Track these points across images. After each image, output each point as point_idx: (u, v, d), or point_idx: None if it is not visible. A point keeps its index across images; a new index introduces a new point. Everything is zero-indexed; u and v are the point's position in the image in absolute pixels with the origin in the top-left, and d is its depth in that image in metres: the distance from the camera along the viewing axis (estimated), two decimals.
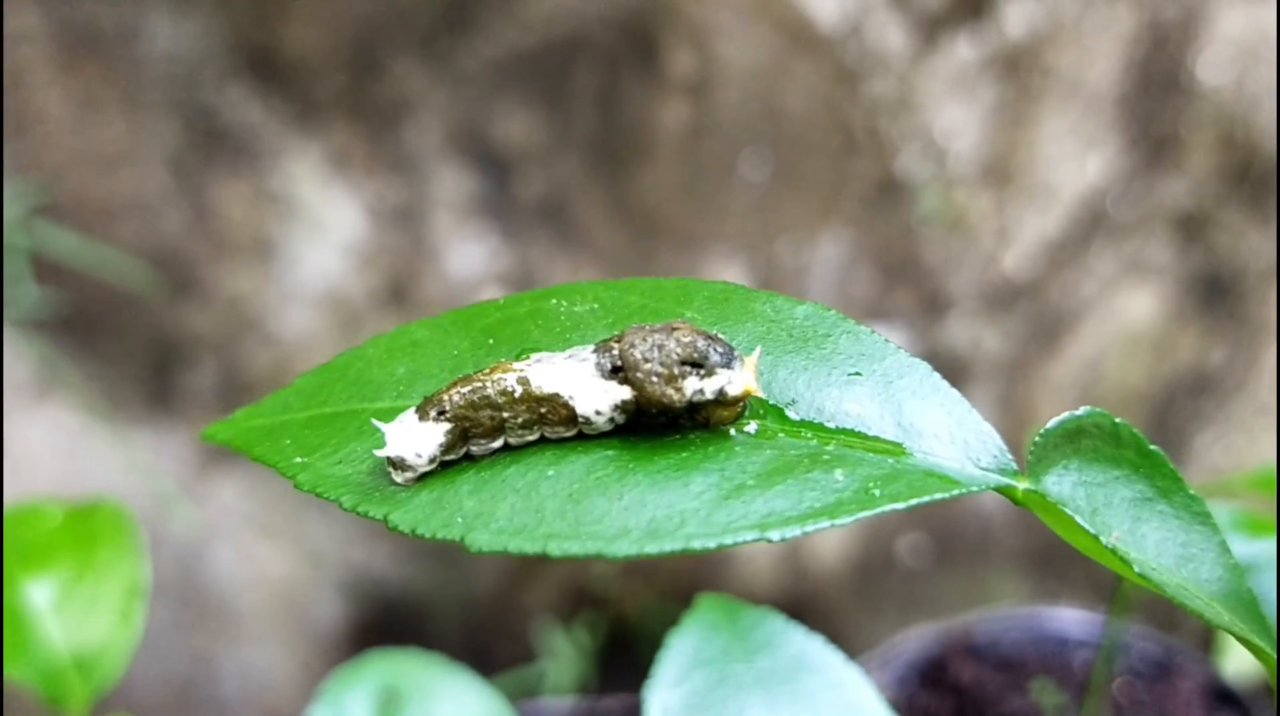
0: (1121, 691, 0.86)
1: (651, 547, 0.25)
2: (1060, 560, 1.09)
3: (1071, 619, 0.93)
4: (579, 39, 0.84)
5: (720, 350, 0.27)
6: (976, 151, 0.92)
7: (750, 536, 0.25)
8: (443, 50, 0.83)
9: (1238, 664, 0.95)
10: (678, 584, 1.06)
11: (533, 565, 1.03)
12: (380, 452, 0.27)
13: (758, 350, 0.28)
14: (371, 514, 0.27)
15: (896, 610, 1.09)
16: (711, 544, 0.25)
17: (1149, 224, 0.96)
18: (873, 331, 0.30)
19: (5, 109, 0.81)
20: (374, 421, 0.28)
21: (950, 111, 0.90)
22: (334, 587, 1.02)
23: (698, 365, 0.27)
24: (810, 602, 1.09)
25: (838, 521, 0.25)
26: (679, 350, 0.27)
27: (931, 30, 0.86)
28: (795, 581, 1.08)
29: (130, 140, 0.84)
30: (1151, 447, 0.28)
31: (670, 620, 1.03)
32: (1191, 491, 0.28)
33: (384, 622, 1.00)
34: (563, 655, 1.03)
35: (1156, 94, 0.91)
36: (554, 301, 0.31)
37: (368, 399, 0.30)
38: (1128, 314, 1.00)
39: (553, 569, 1.04)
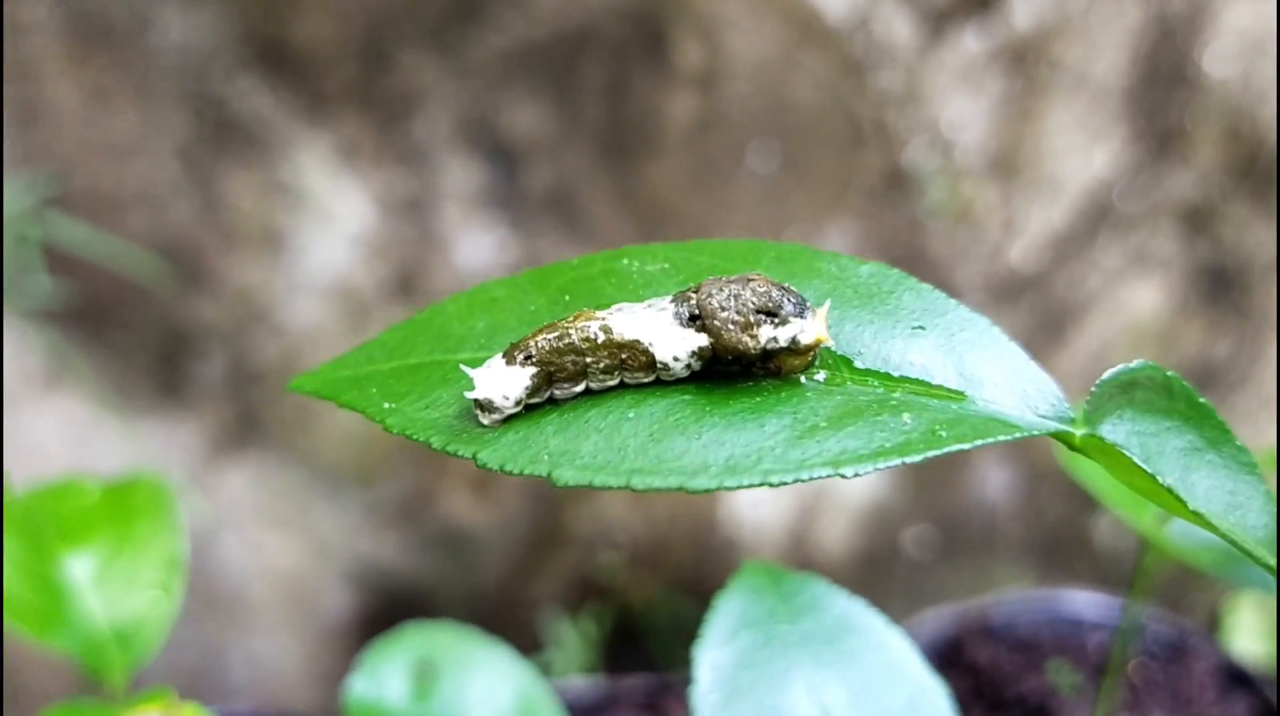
0: (1136, 672, 0.87)
1: (730, 482, 0.26)
2: (1065, 550, 1.10)
3: (1086, 601, 0.94)
4: (588, 31, 0.84)
5: (794, 300, 0.28)
6: (983, 144, 0.92)
7: (825, 472, 0.26)
8: (452, 42, 0.83)
9: (1245, 643, 0.96)
10: (683, 575, 1.06)
11: (539, 555, 1.03)
12: (469, 395, 0.28)
13: (828, 302, 0.29)
14: (461, 452, 0.27)
15: (903, 601, 1.09)
16: (789, 478, 0.26)
17: (1155, 216, 0.96)
18: (934, 288, 0.31)
19: (17, 100, 0.82)
20: (463, 367, 0.29)
21: (957, 104, 0.90)
22: (342, 578, 1.02)
23: (772, 314, 0.28)
24: None
25: (907, 458, 0.26)
26: (754, 299, 0.28)
27: (939, 23, 0.87)
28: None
29: (141, 131, 0.84)
30: (1201, 400, 0.29)
31: (676, 610, 1.03)
32: (1239, 443, 0.29)
33: (391, 613, 1.01)
34: (569, 645, 1.03)
35: (1163, 87, 0.91)
36: (625, 261, 0.32)
37: (450, 351, 0.30)
38: (1133, 306, 1.00)
39: (559, 559, 1.04)
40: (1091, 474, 0.60)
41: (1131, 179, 0.94)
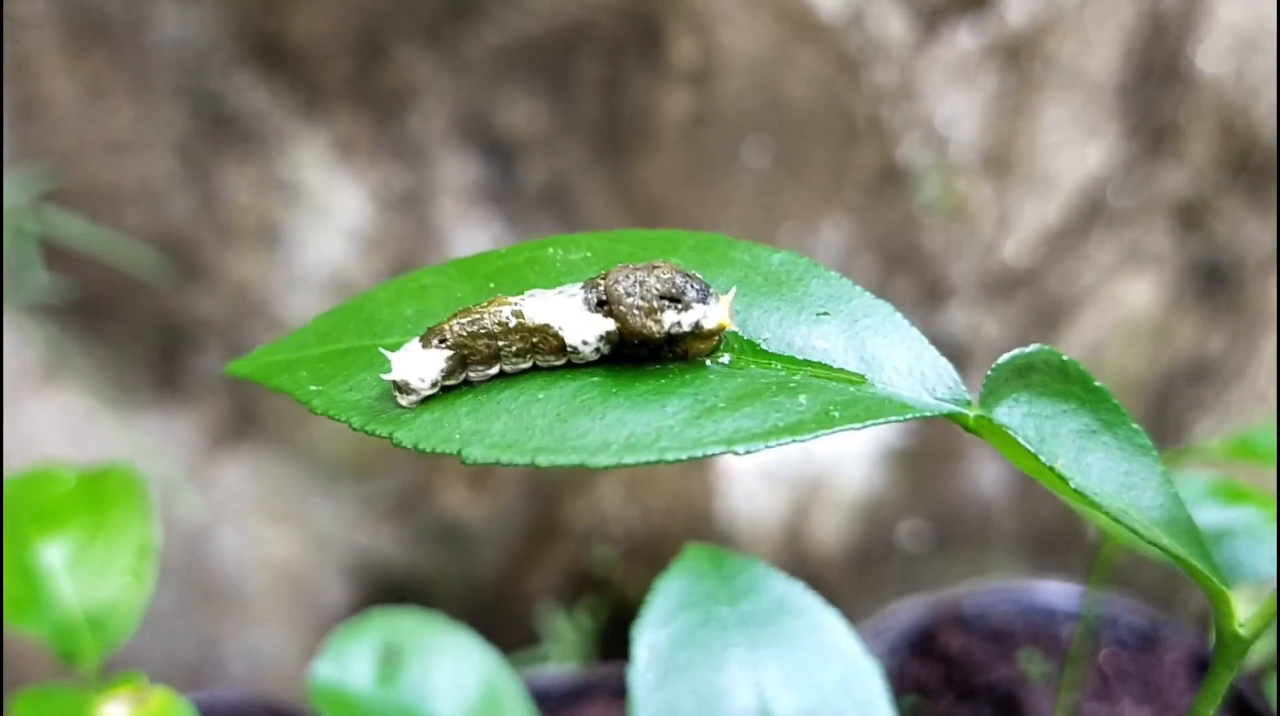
0: (1107, 661, 0.88)
1: (629, 458, 0.27)
2: (1058, 545, 1.10)
3: (1059, 592, 0.94)
4: (583, 26, 0.85)
5: (697, 287, 0.29)
6: (977, 140, 0.92)
7: (718, 449, 0.27)
8: (448, 38, 0.84)
9: None
10: None
11: (536, 549, 1.04)
12: (387, 377, 0.29)
13: (733, 289, 0.30)
14: (378, 432, 0.29)
15: (897, 594, 1.09)
16: (684, 455, 0.27)
17: (1149, 212, 0.97)
18: (841, 276, 0.32)
19: (15, 96, 0.82)
20: (381, 350, 0.30)
21: (951, 100, 0.91)
22: (339, 570, 1.02)
23: (676, 300, 0.29)
24: (812, 586, 1.10)
25: (799, 437, 0.27)
26: (658, 286, 0.29)
27: (933, 19, 0.87)
28: (797, 566, 1.09)
29: (138, 126, 0.85)
30: (1097, 384, 0.30)
31: None
32: (1134, 425, 0.30)
33: (388, 605, 1.01)
34: (565, 638, 1.04)
35: (1156, 83, 0.92)
36: (550, 250, 0.33)
37: (378, 336, 0.32)
38: (1127, 302, 1.00)
39: (555, 553, 1.05)
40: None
41: (1125, 175, 0.95)
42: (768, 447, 0.27)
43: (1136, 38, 0.90)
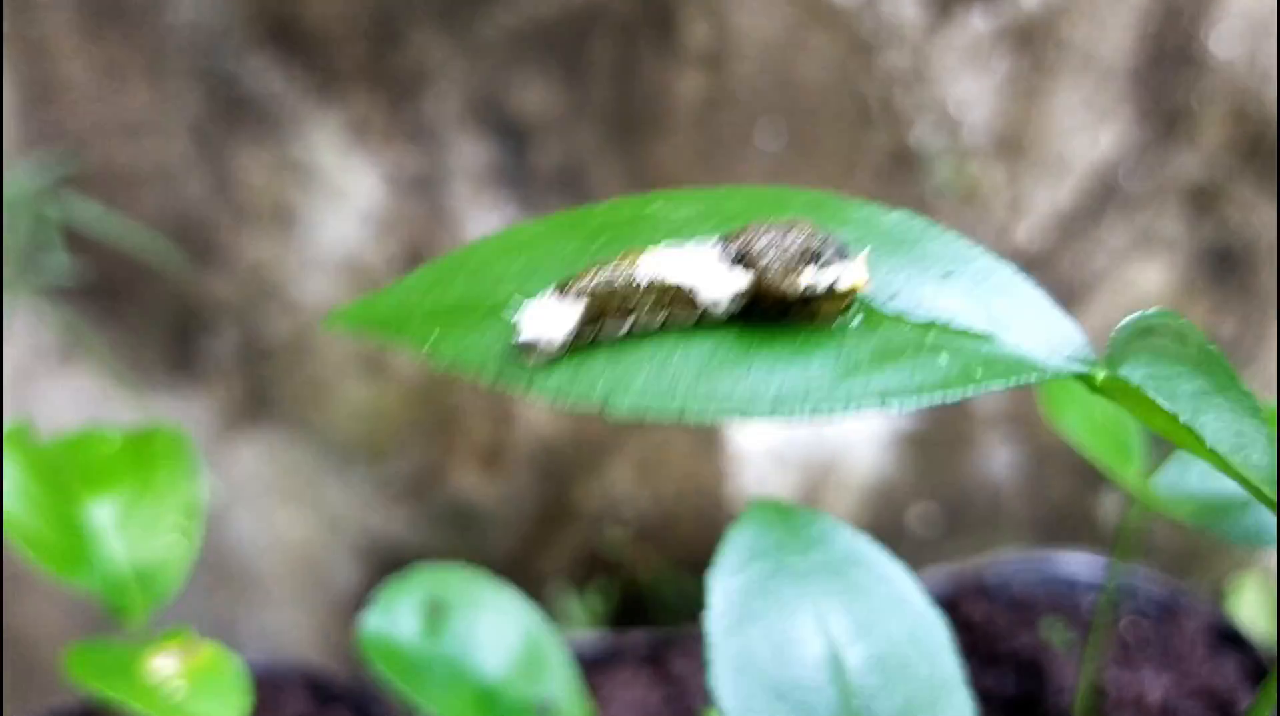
0: (1128, 630, 0.88)
1: (782, 411, 0.27)
2: (1069, 528, 1.11)
3: (1081, 562, 0.95)
4: (596, 9, 0.85)
5: (835, 246, 0.29)
6: (990, 123, 0.93)
7: (874, 404, 0.27)
8: (462, 20, 0.84)
9: (1249, 610, 0.97)
10: (690, 551, 1.07)
11: (547, 531, 1.05)
12: (520, 329, 0.29)
13: (867, 249, 0.30)
14: (515, 382, 0.28)
15: None
16: (838, 410, 0.27)
17: (1161, 196, 0.97)
18: (959, 235, 0.32)
19: (31, 79, 0.83)
20: (515, 300, 0.30)
21: (964, 83, 0.91)
22: (351, 552, 1.03)
23: (814, 259, 0.29)
24: None
25: (948, 395, 0.28)
26: (798, 244, 0.29)
27: (946, 2, 0.87)
28: None
29: (153, 109, 0.85)
30: (1211, 347, 0.30)
31: (682, 586, 1.05)
32: (1244, 388, 0.30)
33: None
34: (576, 619, 1.05)
35: (1169, 67, 0.92)
36: (655, 206, 0.33)
37: (489, 289, 0.31)
38: (1139, 286, 1.01)
39: (567, 535, 1.05)
40: (1076, 427, 0.61)
41: (1138, 159, 0.95)
42: (919, 405, 0.27)
43: (1149, 21, 0.90)
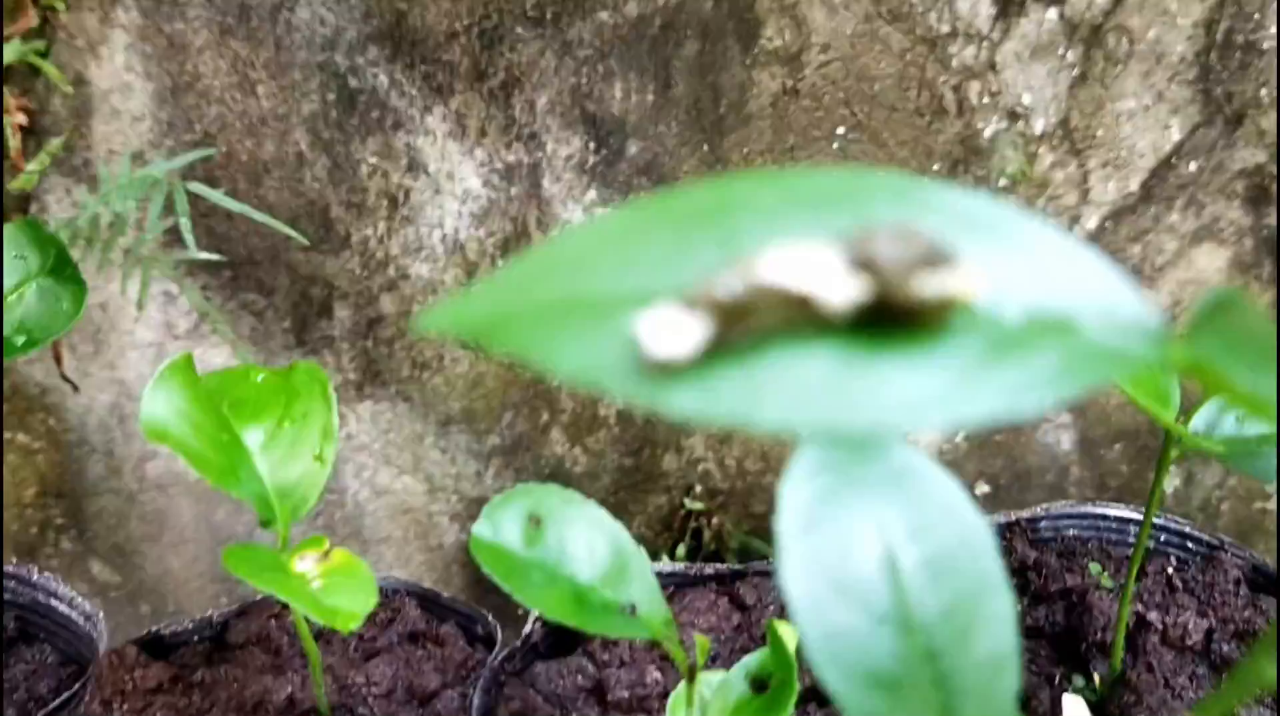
0: (1172, 575, 0.92)
1: (916, 419, 0.27)
2: (1127, 496, 1.13)
3: (1131, 512, 0.97)
4: (681, 7, 0.90)
5: (949, 251, 0.29)
6: (1060, 115, 0.97)
7: (993, 409, 0.27)
8: (557, 20, 0.90)
9: None
10: (768, 520, 1.11)
11: (632, 498, 1.10)
12: (642, 343, 0.28)
13: (975, 250, 0.30)
14: (644, 400, 0.27)
15: None
16: (959, 419, 0.27)
17: (1228, 187, 1.00)
18: (1045, 221, 0.31)
19: (169, 73, 0.89)
20: (620, 314, 0.28)
21: (1034, 76, 0.95)
22: (448, 514, 1.10)
23: (930, 264, 0.28)
24: None
25: (1056, 393, 0.27)
26: (916, 249, 0.29)
27: None
28: None
29: (275, 103, 0.92)
30: (1269, 322, 0.30)
31: (761, 554, 1.09)
32: None
33: None
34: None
35: (1237, 59, 0.95)
36: (739, 190, 0.32)
37: (589, 286, 0.30)
38: (1206, 274, 1.04)
39: (649, 502, 1.10)
40: (1121, 378, 0.66)
41: (1206, 149, 0.98)
42: (1043, 406, 0.26)
43: (1217, 13, 0.93)
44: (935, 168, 0.98)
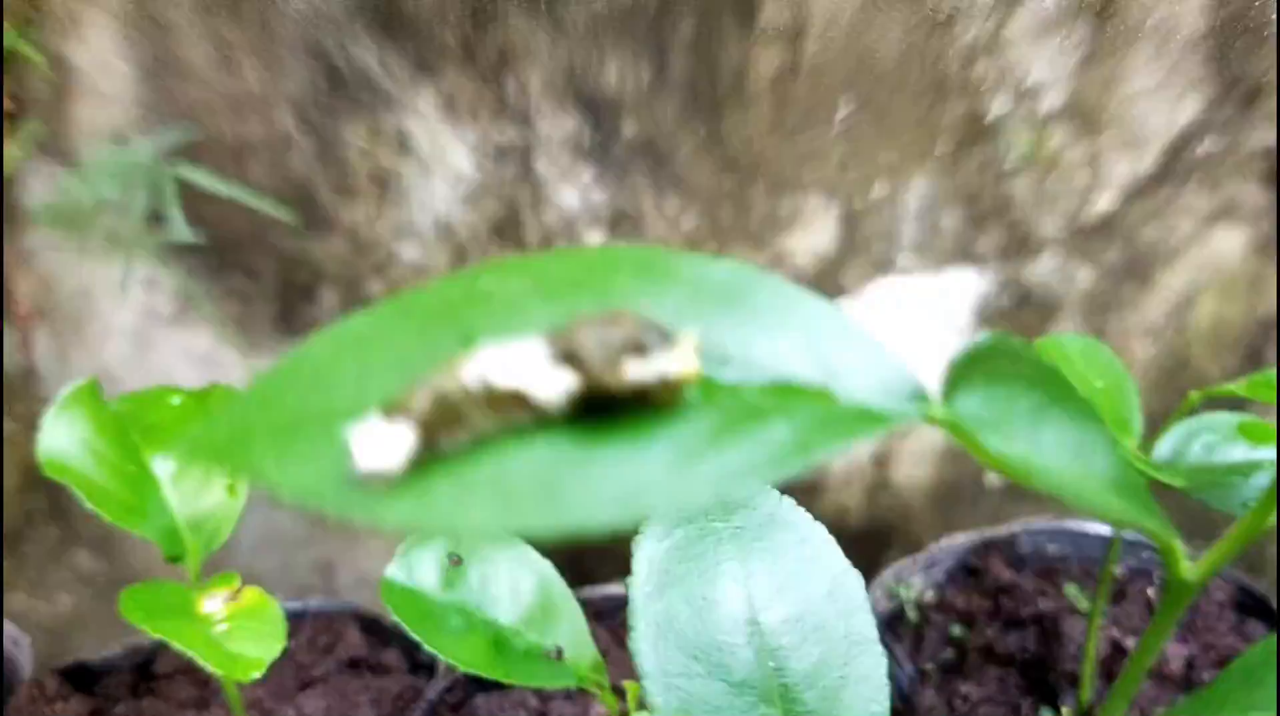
0: (1156, 595, 0.89)
1: (622, 513, 0.26)
2: (1151, 486, 1.10)
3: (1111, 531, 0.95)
4: None
5: (659, 336, 0.28)
6: (1069, 94, 0.93)
7: (714, 491, 0.26)
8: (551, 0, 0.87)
9: None
10: None
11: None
12: (355, 461, 0.27)
13: (693, 334, 0.29)
14: (357, 516, 0.27)
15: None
16: (679, 503, 0.27)
17: (1243, 166, 0.96)
18: (788, 282, 0.31)
19: (151, 54, 0.88)
20: (342, 429, 0.28)
21: (1043, 54, 0.91)
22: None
23: (639, 351, 0.28)
24: (897, 522, 1.13)
25: (782, 471, 0.26)
26: (620, 338, 0.28)
27: None
28: (887, 501, 1.12)
29: (260, 83, 0.90)
30: (1045, 362, 0.30)
31: None
32: (1081, 397, 0.30)
33: None
34: None
35: (1249, 38, 0.91)
36: (484, 282, 0.31)
37: (322, 401, 0.29)
38: (1222, 254, 1.00)
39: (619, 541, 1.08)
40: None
41: (1219, 129, 0.94)
42: (762, 482, 0.26)
43: None
44: (940, 148, 0.95)
